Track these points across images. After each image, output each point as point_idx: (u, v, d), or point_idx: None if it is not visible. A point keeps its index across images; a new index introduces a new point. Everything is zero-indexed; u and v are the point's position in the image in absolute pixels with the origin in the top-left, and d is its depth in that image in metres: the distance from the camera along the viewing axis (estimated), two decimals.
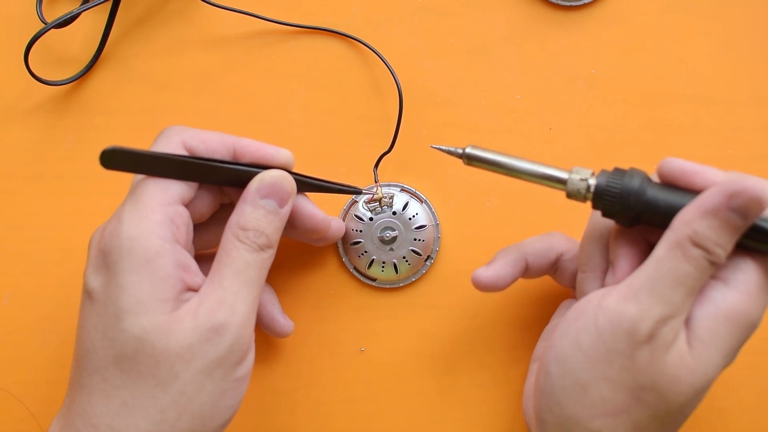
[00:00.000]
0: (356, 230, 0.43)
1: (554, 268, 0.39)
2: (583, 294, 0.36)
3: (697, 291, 0.31)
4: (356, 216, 0.43)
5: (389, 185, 0.44)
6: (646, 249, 0.34)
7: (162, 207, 0.33)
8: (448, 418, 0.43)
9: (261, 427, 0.43)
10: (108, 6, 0.45)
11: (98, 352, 0.32)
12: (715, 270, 0.31)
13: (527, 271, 0.39)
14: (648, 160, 0.44)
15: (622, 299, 0.31)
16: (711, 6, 0.45)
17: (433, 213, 0.43)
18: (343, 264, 0.44)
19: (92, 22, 0.46)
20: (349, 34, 0.45)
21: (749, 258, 0.31)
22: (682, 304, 0.30)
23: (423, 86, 0.45)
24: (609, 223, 0.35)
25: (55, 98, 0.45)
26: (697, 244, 0.30)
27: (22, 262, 0.44)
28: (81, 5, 0.44)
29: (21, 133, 0.45)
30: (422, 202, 0.44)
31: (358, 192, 0.41)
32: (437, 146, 0.37)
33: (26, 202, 0.45)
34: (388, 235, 0.42)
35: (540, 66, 0.45)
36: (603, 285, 0.35)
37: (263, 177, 0.35)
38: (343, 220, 0.43)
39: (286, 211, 0.35)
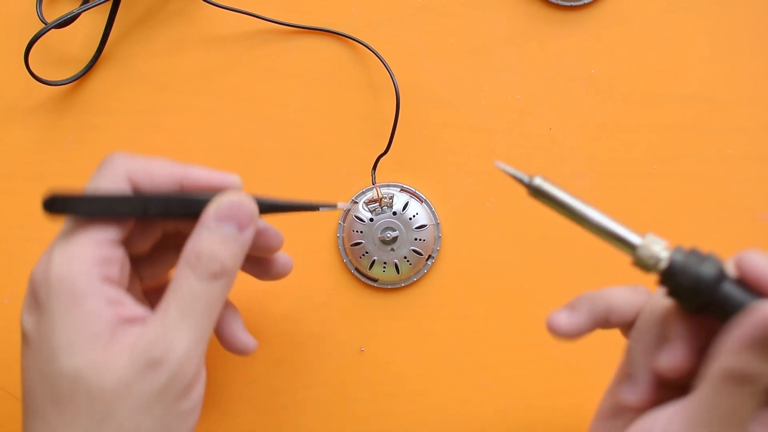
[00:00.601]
0: (357, 231, 0.43)
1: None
2: (631, 363, 0.33)
3: (755, 414, 0.29)
4: (356, 217, 0.43)
5: (389, 185, 0.44)
6: (704, 331, 0.32)
7: (93, 246, 0.32)
8: (448, 417, 0.43)
9: (261, 426, 0.43)
10: (108, 6, 0.44)
11: (36, 393, 0.31)
12: None
13: (609, 323, 0.34)
14: (648, 160, 0.44)
15: (676, 427, 0.29)
16: (711, 6, 0.45)
17: (433, 212, 0.43)
18: (344, 265, 0.44)
19: (92, 22, 0.46)
20: (348, 34, 0.45)
21: None
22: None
23: (423, 86, 0.45)
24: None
25: (55, 98, 0.45)
26: (742, 378, 0.28)
27: (22, 262, 0.44)
28: (81, 5, 0.44)
29: (21, 133, 0.45)
30: (422, 201, 0.43)
31: (332, 206, 0.36)
32: (503, 166, 0.32)
33: (26, 202, 0.45)
34: (388, 235, 0.42)
35: (540, 66, 0.45)
36: (654, 358, 0.32)
37: (221, 200, 0.33)
38: (344, 222, 0.43)
39: (246, 236, 0.33)
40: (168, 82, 0.45)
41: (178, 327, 0.31)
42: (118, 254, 0.33)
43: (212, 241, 0.32)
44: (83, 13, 0.44)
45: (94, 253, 0.32)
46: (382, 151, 0.43)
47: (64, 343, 0.31)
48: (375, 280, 0.43)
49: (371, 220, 0.43)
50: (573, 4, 0.45)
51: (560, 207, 0.32)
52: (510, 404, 0.43)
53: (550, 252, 0.44)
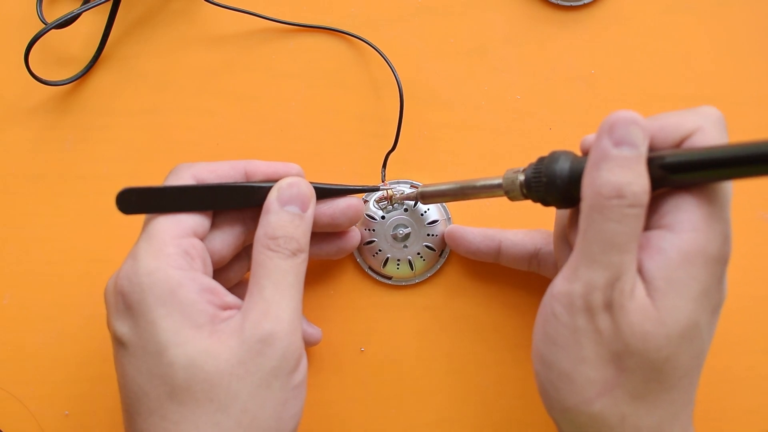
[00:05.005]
0: (369, 230, 0.43)
1: (536, 261, 0.40)
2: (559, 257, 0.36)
3: (634, 243, 0.29)
4: (368, 216, 0.43)
5: (398, 182, 0.44)
6: None
7: (175, 240, 0.33)
8: (449, 418, 0.43)
9: None
10: (108, 6, 0.44)
11: (149, 393, 0.32)
12: (645, 216, 0.30)
13: (501, 256, 0.41)
14: None
15: (566, 281, 0.31)
16: (712, 6, 0.45)
17: (444, 208, 0.43)
18: (358, 264, 0.44)
19: (92, 22, 0.45)
20: (350, 32, 0.45)
21: (685, 194, 0.30)
22: (622, 263, 0.29)
23: (423, 86, 0.45)
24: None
25: (55, 98, 0.45)
26: (607, 197, 0.29)
27: (22, 262, 0.44)
28: (81, 5, 0.44)
29: (21, 133, 0.45)
30: None
31: (375, 189, 0.41)
32: (398, 198, 0.41)
33: (26, 202, 0.45)
34: (401, 232, 0.42)
35: (540, 66, 0.45)
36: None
37: (280, 185, 0.35)
38: None
39: (309, 214, 0.35)
40: (168, 82, 0.45)
41: (279, 301, 0.33)
42: (199, 248, 0.35)
43: (282, 222, 0.34)
44: (83, 13, 0.44)
45: (177, 246, 0.33)
46: (389, 150, 0.43)
47: (169, 335, 0.31)
48: (389, 278, 0.43)
49: (383, 217, 0.43)
50: (573, 4, 0.45)
51: (444, 195, 0.37)
52: (510, 404, 0.43)
53: None
